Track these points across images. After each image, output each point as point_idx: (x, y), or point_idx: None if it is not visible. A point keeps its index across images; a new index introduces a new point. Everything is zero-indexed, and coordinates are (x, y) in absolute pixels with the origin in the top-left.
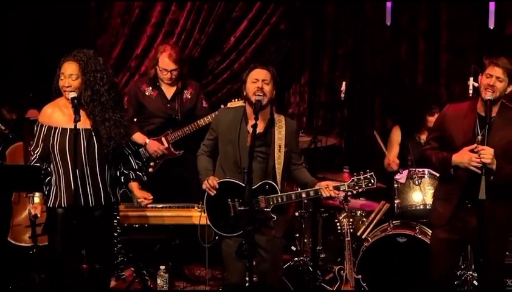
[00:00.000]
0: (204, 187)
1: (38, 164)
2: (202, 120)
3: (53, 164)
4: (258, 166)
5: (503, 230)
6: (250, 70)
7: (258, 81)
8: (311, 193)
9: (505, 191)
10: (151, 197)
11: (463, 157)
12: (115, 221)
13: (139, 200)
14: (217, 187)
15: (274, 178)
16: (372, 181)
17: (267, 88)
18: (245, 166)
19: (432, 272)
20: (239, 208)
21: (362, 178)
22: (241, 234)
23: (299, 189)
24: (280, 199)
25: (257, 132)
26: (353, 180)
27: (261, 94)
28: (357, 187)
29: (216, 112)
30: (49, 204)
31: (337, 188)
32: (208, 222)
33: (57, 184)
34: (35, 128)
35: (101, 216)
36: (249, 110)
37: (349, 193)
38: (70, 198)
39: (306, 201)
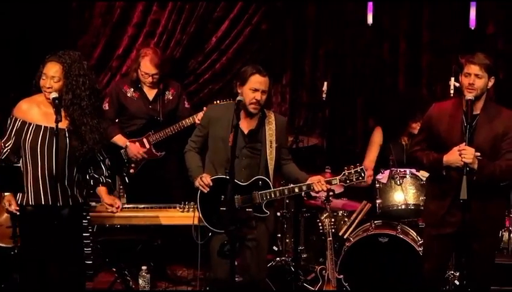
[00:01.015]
0: (196, 184)
1: (10, 157)
2: (184, 121)
3: (22, 160)
4: (251, 163)
5: (494, 228)
6: (251, 74)
7: (258, 91)
8: (304, 188)
9: (494, 190)
10: (119, 205)
11: (451, 157)
12: (85, 221)
13: (107, 207)
14: (211, 184)
15: (267, 174)
16: (362, 175)
17: (264, 98)
18: (227, 167)
19: (424, 268)
20: (221, 209)
21: (352, 172)
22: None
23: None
24: (273, 195)
25: (249, 129)
26: (344, 174)
27: (257, 107)
28: (348, 181)
29: (204, 109)
30: (17, 201)
31: (329, 182)
32: (202, 220)
33: (25, 181)
34: (8, 121)
35: (68, 216)
36: (242, 110)
37: (331, 193)
38: (37, 196)
39: (287, 201)
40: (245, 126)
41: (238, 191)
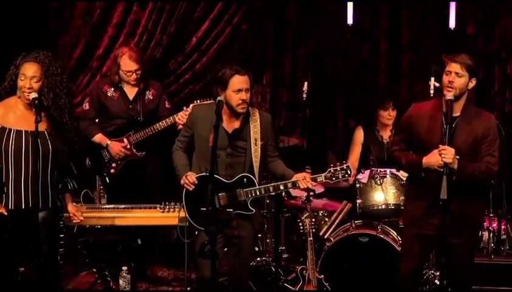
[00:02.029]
0: (182, 182)
1: None
2: (164, 121)
3: (1, 165)
4: (236, 161)
5: (474, 228)
6: (231, 75)
7: (242, 91)
8: (289, 185)
9: (473, 190)
10: (82, 218)
11: (431, 159)
12: (61, 223)
13: (70, 215)
14: (196, 182)
15: (252, 172)
16: (348, 172)
17: (249, 96)
18: (207, 167)
19: (401, 268)
20: (201, 209)
21: (338, 169)
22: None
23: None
24: (258, 192)
25: (234, 128)
26: (330, 171)
27: (245, 107)
28: (334, 178)
29: (184, 109)
30: None
31: (314, 179)
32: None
33: (6, 185)
34: None
35: (47, 218)
36: (227, 109)
37: (311, 193)
38: (18, 200)
39: (268, 201)
40: (230, 125)
41: (223, 189)
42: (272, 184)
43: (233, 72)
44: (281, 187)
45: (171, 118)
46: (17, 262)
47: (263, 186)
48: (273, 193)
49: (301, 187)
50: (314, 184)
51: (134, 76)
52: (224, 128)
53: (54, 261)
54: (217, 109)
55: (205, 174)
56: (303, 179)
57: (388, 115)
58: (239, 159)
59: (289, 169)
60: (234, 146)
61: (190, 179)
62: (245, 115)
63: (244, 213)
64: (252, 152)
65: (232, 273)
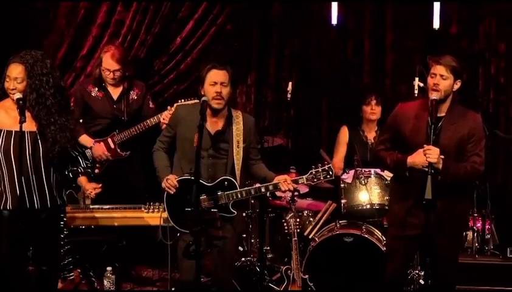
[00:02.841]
0: (163, 186)
1: None
2: (148, 121)
3: None
4: (218, 163)
5: (458, 227)
6: (208, 70)
7: (217, 84)
8: (270, 187)
9: (457, 190)
10: (100, 185)
11: (416, 158)
12: (62, 222)
13: (88, 192)
14: (177, 186)
15: (233, 174)
16: (330, 173)
17: (226, 91)
18: (192, 168)
19: (387, 267)
20: (186, 209)
21: (320, 170)
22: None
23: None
24: (239, 195)
25: (216, 130)
26: (311, 172)
27: (220, 101)
28: (315, 179)
29: (168, 109)
30: None
31: (295, 181)
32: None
33: (2, 186)
34: None
35: (47, 218)
36: (208, 110)
37: (296, 193)
38: (16, 200)
39: (253, 201)
40: (212, 126)
41: (204, 191)
42: (254, 187)
43: (210, 66)
44: (263, 190)
45: (155, 118)
46: (19, 263)
47: (244, 189)
48: (254, 196)
49: (283, 189)
50: (296, 186)
51: (112, 75)
52: (206, 128)
53: (53, 261)
54: (202, 109)
55: (186, 177)
56: (284, 181)
57: (371, 110)
58: (221, 160)
59: (271, 172)
60: (216, 147)
61: (170, 182)
62: (228, 117)
63: (226, 215)
64: (234, 154)
65: (215, 273)
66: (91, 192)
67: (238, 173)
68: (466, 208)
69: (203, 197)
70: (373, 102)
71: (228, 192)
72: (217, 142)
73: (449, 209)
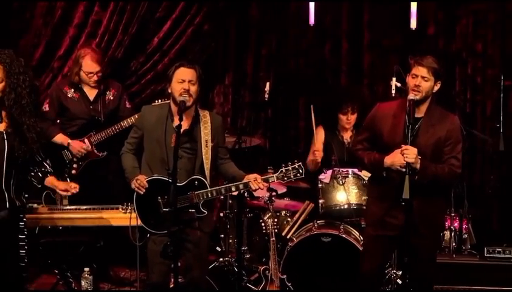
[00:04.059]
0: (132, 186)
1: None
2: (125, 121)
3: None
4: (187, 163)
5: (434, 227)
6: (176, 68)
7: (185, 82)
8: (240, 186)
9: (434, 190)
10: (75, 186)
11: (393, 158)
12: (22, 223)
13: (61, 192)
14: (146, 186)
15: (203, 174)
16: (300, 171)
17: (193, 89)
18: (170, 168)
19: (362, 268)
20: (164, 209)
21: (290, 169)
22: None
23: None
24: (209, 194)
25: (183, 129)
26: (281, 171)
27: (186, 96)
28: (286, 178)
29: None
30: None
31: (266, 180)
32: (139, 221)
33: None
34: None
35: (6, 218)
36: (174, 108)
37: (273, 193)
38: None
39: (230, 202)
40: (175, 127)
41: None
42: (224, 186)
43: (178, 64)
44: (233, 189)
45: (132, 118)
46: None
47: (215, 188)
48: (224, 195)
49: (253, 188)
50: (266, 184)
51: (95, 77)
52: (172, 127)
53: (14, 262)
54: (180, 109)
55: (155, 177)
56: (254, 180)
57: (346, 120)
58: (189, 160)
59: (241, 170)
60: (184, 147)
61: (140, 182)
62: (195, 116)
63: (197, 215)
64: (203, 154)
65: (189, 273)
66: (67, 190)
67: (207, 172)
68: (441, 210)
69: None
70: (349, 113)
71: (198, 192)
72: (185, 142)
73: (425, 210)
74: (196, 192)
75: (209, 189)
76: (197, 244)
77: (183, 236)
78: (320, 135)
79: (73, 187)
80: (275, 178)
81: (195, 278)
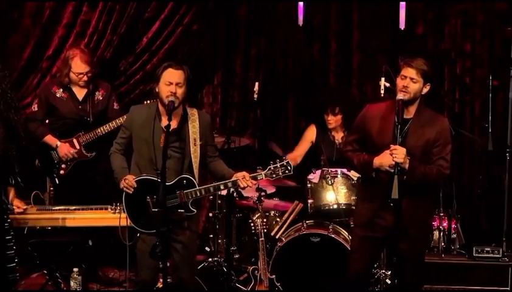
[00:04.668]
0: (121, 186)
1: None
2: (114, 122)
3: None
4: (175, 161)
5: (424, 228)
6: (164, 68)
7: (172, 84)
8: (229, 184)
9: (422, 191)
10: (25, 207)
11: (382, 159)
12: (6, 224)
13: (14, 207)
14: (135, 186)
15: (191, 172)
16: (289, 168)
17: (180, 91)
18: (158, 168)
19: (350, 269)
20: (153, 210)
21: (278, 166)
22: (156, 231)
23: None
24: (198, 193)
25: (172, 128)
26: (270, 168)
27: (173, 99)
28: (274, 175)
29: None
30: None
31: (254, 177)
32: (129, 221)
33: None
34: None
35: None
36: (162, 108)
37: (263, 193)
38: None
39: (220, 202)
40: (164, 127)
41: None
42: (212, 185)
43: (166, 65)
44: (222, 187)
45: (120, 118)
46: None
47: (203, 187)
48: (213, 193)
49: (242, 186)
50: (255, 182)
51: (85, 78)
52: (160, 127)
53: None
54: (168, 109)
55: (144, 177)
56: (242, 177)
57: (330, 120)
58: (178, 159)
59: (230, 168)
60: (172, 146)
61: (128, 182)
62: (183, 115)
63: (186, 214)
64: (192, 152)
65: (178, 273)
66: (15, 209)
67: (196, 171)
68: (429, 211)
69: None
70: (332, 113)
71: (187, 190)
72: (173, 141)
73: (413, 211)
74: (185, 191)
75: (198, 188)
76: (186, 244)
77: (172, 236)
78: (310, 133)
79: (22, 206)
80: (263, 175)
81: (184, 278)
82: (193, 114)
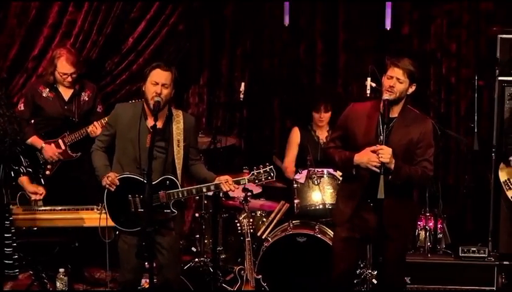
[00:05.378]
0: (103, 183)
1: None
2: (99, 122)
3: None
4: (159, 162)
5: (404, 229)
6: (152, 68)
7: (158, 85)
8: (212, 188)
9: (405, 191)
10: (42, 192)
11: (363, 157)
12: (7, 222)
13: (30, 194)
14: (117, 183)
15: (174, 173)
16: (272, 174)
17: (166, 92)
18: (145, 168)
19: (333, 271)
20: (139, 210)
21: (261, 172)
22: (141, 231)
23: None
24: (180, 194)
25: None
26: (253, 174)
27: (158, 99)
28: (257, 181)
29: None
30: None
31: (237, 182)
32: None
33: None
34: None
35: None
36: (147, 107)
37: (249, 193)
38: None
39: (206, 202)
40: (152, 125)
41: (145, 190)
42: (195, 187)
43: (154, 65)
44: (204, 190)
45: (106, 118)
46: None
47: (186, 188)
48: (196, 195)
49: (224, 189)
50: (237, 187)
51: (70, 79)
52: (146, 126)
53: None
54: (154, 109)
55: (126, 175)
56: (225, 181)
57: (319, 118)
58: (160, 159)
59: (211, 172)
60: (156, 145)
61: (111, 180)
62: (168, 116)
63: (170, 215)
64: (175, 153)
65: (161, 273)
66: (34, 195)
67: (179, 172)
68: (411, 211)
69: (144, 196)
70: (322, 111)
71: (169, 191)
72: (157, 141)
73: (392, 212)
74: (168, 191)
75: (180, 189)
76: (170, 244)
77: (157, 236)
78: (295, 136)
79: (41, 193)
80: (246, 180)
81: (169, 278)
82: (178, 115)
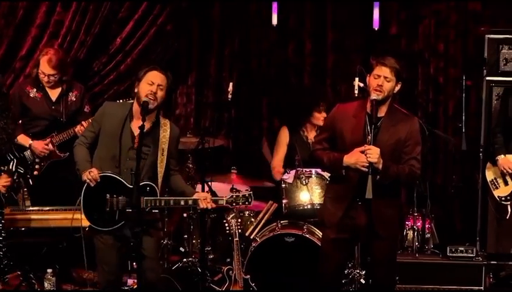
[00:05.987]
0: (84, 178)
1: None
2: (87, 121)
3: None
4: (141, 165)
5: (393, 228)
6: (148, 69)
7: (154, 85)
8: (190, 202)
9: (392, 191)
10: (9, 179)
11: (352, 157)
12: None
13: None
14: (98, 180)
15: (155, 181)
16: (249, 200)
17: (160, 94)
18: (132, 168)
19: (321, 271)
20: (127, 210)
21: (240, 196)
22: (116, 229)
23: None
24: (158, 203)
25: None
26: (232, 196)
27: (152, 98)
28: (234, 203)
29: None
30: None
31: (215, 201)
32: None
33: None
34: None
35: None
36: (136, 108)
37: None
38: None
39: None
40: (137, 128)
41: (125, 193)
42: (173, 198)
43: (151, 66)
44: (182, 203)
45: (89, 120)
46: None
47: (164, 198)
48: (172, 207)
49: (201, 206)
50: (214, 205)
51: (47, 79)
52: (130, 128)
53: None
54: (143, 109)
55: (108, 174)
56: (204, 199)
57: (322, 117)
58: (143, 163)
59: (189, 186)
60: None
61: (93, 175)
62: (155, 122)
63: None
64: (158, 162)
65: (143, 275)
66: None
67: (160, 180)
68: (399, 211)
69: (122, 198)
70: (324, 110)
71: (147, 198)
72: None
73: (381, 211)
74: (145, 198)
75: (158, 198)
76: (153, 244)
77: (142, 237)
78: (283, 136)
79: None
80: (224, 201)
81: (153, 279)
82: (165, 124)
